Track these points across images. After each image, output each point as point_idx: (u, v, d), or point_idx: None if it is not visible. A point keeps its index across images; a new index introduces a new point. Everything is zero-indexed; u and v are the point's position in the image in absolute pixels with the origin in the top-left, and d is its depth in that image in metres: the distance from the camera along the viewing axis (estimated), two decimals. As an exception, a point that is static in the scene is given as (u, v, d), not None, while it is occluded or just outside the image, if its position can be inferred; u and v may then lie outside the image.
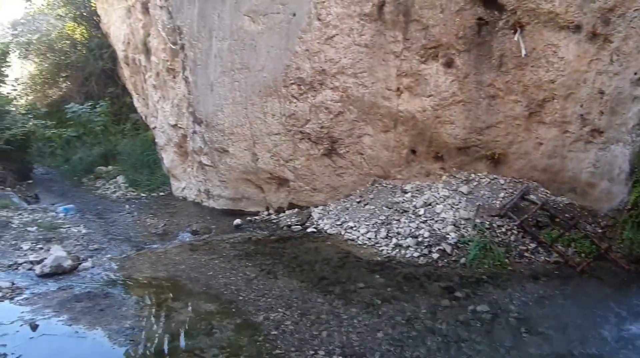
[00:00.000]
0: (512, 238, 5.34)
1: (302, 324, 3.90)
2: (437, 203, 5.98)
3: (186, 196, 9.20)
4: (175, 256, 5.69)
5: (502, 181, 6.11)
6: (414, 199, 6.24)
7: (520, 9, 5.47)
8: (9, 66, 14.54)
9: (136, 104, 12.90)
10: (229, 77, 7.40)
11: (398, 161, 6.73)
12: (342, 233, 6.22)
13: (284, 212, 7.50)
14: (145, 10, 9.94)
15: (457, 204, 5.86)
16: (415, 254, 5.30)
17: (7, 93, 14.19)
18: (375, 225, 6.06)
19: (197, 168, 8.61)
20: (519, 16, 5.51)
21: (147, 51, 10.20)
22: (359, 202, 6.73)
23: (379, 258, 5.36)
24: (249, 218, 7.54)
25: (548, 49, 5.47)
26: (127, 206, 8.88)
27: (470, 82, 5.96)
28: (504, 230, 5.42)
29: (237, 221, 7.23)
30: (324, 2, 6.41)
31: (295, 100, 6.83)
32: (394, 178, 6.81)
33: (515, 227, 5.37)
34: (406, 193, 6.46)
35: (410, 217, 5.94)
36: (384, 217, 6.14)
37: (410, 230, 5.69)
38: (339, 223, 6.48)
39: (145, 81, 10.90)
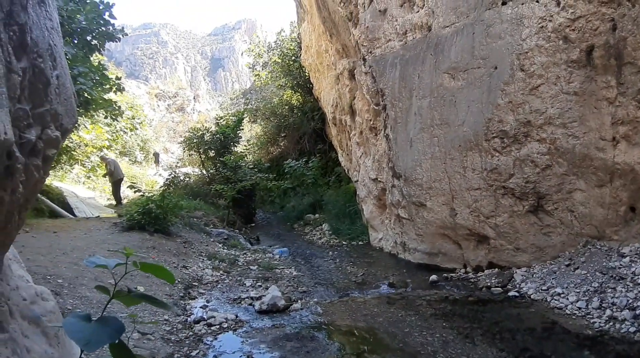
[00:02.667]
0: None
1: (505, 400, 3.55)
2: (658, 270, 4.86)
3: (382, 246, 9.51)
4: (373, 307, 5.89)
5: None
6: (633, 265, 5.20)
7: None
8: (242, 129, 17.85)
9: (340, 159, 14.20)
10: (428, 133, 7.57)
11: (614, 220, 5.72)
12: (548, 299, 5.52)
13: (482, 271, 7.05)
14: (352, 76, 11.09)
15: (681, 271, 4.67)
16: (632, 329, 4.40)
17: (241, 152, 17.38)
18: (586, 293, 5.21)
19: (395, 221, 8.87)
20: None
21: (352, 112, 11.27)
22: (568, 265, 5.91)
23: (590, 332, 4.59)
24: (444, 274, 7.32)
25: None
26: (330, 253, 9.64)
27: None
28: None
29: (433, 277, 7.08)
30: (527, 52, 6.12)
31: (497, 154, 6.54)
32: (609, 239, 5.79)
33: None
34: (624, 256, 5.42)
35: (628, 285, 4.95)
36: (597, 284, 5.24)
37: (628, 300, 4.74)
38: (544, 288, 5.78)
39: (349, 138, 11.98)
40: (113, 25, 10.28)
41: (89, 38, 10.08)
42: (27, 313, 2.28)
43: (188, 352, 4.56)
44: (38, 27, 1.71)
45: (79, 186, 14.74)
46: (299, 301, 6.17)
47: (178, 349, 4.54)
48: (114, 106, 11.45)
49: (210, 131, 15.95)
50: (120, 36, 10.46)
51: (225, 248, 9.78)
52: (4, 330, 1.99)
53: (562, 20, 5.70)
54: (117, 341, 1.05)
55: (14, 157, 1.59)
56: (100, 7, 10.04)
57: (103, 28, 10.01)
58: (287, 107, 19.61)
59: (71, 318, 1.10)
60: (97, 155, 16.00)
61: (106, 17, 10.03)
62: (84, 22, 9.54)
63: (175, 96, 40.40)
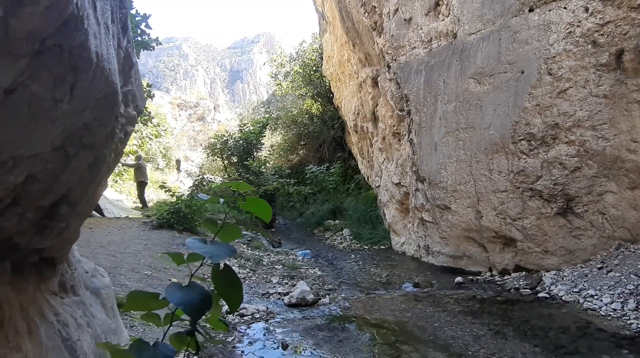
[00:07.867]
0: None
1: (540, 391, 3.61)
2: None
3: (405, 250, 9.59)
4: (401, 303, 5.98)
5: None
6: (671, 268, 5.21)
7: None
8: (264, 136, 18.17)
9: (360, 166, 14.36)
10: (453, 136, 7.70)
11: (649, 223, 5.74)
12: (581, 301, 5.52)
13: (509, 274, 7.07)
14: (375, 84, 11.29)
15: None
16: (673, 330, 4.41)
17: (264, 157, 17.67)
18: (621, 295, 5.20)
19: (418, 224, 8.96)
20: None
21: (375, 119, 11.45)
22: (600, 268, 5.90)
23: (627, 332, 4.57)
24: (470, 277, 7.36)
25: None
26: (352, 256, 9.75)
27: None
28: None
29: (459, 278, 7.14)
30: (554, 57, 6.24)
31: (524, 156, 6.63)
32: (644, 242, 5.81)
33: None
34: (660, 260, 5.42)
35: (665, 287, 4.96)
36: (632, 286, 5.24)
37: (665, 302, 4.75)
38: (576, 290, 5.78)
39: (371, 145, 12.14)
40: (148, 35, 10.71)
41: (125, 47, 10.50)
42: (89, 284, 2.49)
43: (224, 338, 4.72)
44: (127, 20, 1.97)
45: (107, 189, 15.16)
46: (327, 296, 6.30)
47: (214, 335, 4.70)
48: (145, 111, 11.83)
49: (234, 137, 16.27)
50: (155, 45, 10.88)
51: (250, 248, 9.96)
52: (76, 293, 2.20)
53: (591, 25, 5.82)
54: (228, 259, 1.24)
55: (118, 119, 1.81)
56: (137, 19, 10.47)
57: (139, 38, 10.41)
58: (307, 116, 19.92)
59: (192, 240, 1.29)
60: (122, 162, 16.39)
61: (142, 27, 10.46)
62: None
63: (196, 106, 41.21)
